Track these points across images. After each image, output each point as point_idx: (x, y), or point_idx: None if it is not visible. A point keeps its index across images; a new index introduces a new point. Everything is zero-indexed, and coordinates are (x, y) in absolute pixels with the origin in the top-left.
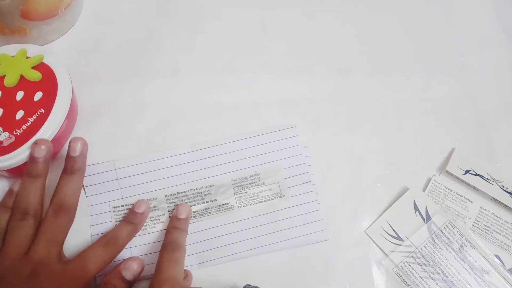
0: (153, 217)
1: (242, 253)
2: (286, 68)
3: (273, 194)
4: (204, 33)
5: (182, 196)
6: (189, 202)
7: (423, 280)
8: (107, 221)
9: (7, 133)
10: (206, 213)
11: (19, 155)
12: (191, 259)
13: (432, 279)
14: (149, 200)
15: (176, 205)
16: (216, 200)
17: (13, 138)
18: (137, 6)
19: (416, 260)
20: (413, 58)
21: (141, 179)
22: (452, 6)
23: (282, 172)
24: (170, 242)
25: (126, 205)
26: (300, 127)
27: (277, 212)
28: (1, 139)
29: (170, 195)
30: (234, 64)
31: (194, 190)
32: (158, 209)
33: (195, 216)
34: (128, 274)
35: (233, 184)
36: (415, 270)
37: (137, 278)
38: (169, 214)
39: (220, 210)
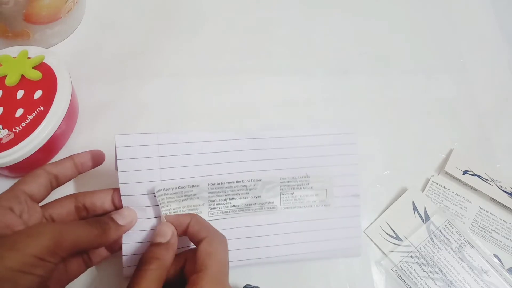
0: (191, 206)
1: (276, 258)
2: (285, 69)
3: (319, 201)
4: (204, 34)
5: (226, 187)
6: (232, 194)
7: (422, 279)
8: (142, 206)
9: (7, 130)
10: (247, 209)
11: (18, 152)
12: None
13: (431, 278)
14: (190, 187)
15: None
16: (260, 196)
17: (12, 135)
18: (138, 9)
19: (415, 260)
20: (412, 59)
21: (185, 161)
22: (451, 7)
23: (332, 179)
24: (143, 259)
25: (164, 189)
26: (357, 135)
27: (319, 221)
28: (0, 136)
29: (214, 184)
30: (234, 65)
31: (240, 182)
32: (198, 198)
33: (236, 211)
34: (119, 218)
35: (281, 183)
36: (414, 270)
37: (126, 228)
38: (209, 205)
39: (262, 209)
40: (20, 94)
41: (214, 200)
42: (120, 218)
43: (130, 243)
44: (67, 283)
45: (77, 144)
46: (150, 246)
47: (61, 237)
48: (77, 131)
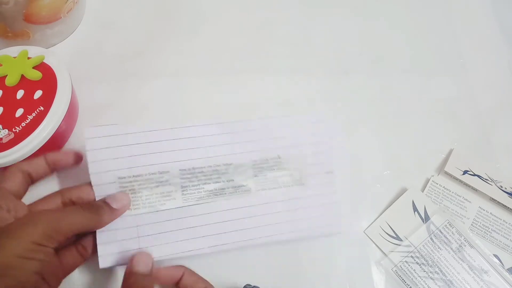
0: (164, 193)
1: (257, 240)
2: (285, 69)
3: (293, 180)
4: (204, 34)
5: (198, 172)
6: (204, 179)
7: (422, 279)
8: (113, 193)
9: (7, 130)
10: (221, 193)
11: (18, 152)
12: (202, 242)
13: (431, 278)
14: (161, 173)
15: (133, 255)
16: (233, 180)
17: (12, 135)
18: (138, 9)
19: (415, 260)
20: (412, 59)
21: (153, 148)
22: (450, 8)
23: (305, 158)
24: None
25: (133, 175)
26: (330, 118)
27: (295, 200)
28: (0, 136)
29: (185, 170)
30: (234, 65)
31: (211, 166)
32: (170, 184)
33: (210, 195)
34: (113, 202)
35: (252, 165)
36: (414, 270)
37: (119, 212)
38: (182, 191)
39: (236, 192)
40: (20, 94)
41: (186, 186)
42: (114, 201)
43: (104, 231)
44: (64, 276)
45: (77, 144)
46: (136, 275)
47: (57, 222)
48: (77, 131)
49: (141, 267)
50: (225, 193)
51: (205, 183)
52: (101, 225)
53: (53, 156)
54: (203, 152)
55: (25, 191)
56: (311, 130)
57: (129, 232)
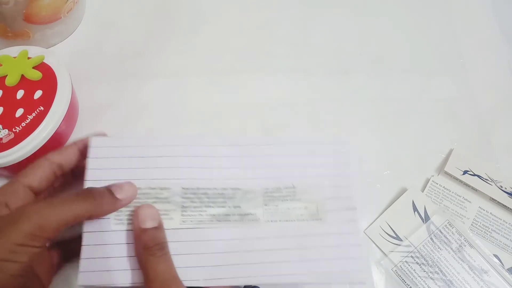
0: (161, 210)
1: (260, 278)
2: (286, 69)
3: (308, 214)
4: (204, 34)
5: (202, 193)
6: (208, 202)
7: (422, 279)
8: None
9: (7, 130)
10: (225, 220)
11: (18, 152)
12: (197, 273)
13: (431, 278)
14: (161, 189)
15: (137, 207)
16: (240, 207)
17: (12, 135)
18: (138, 9)
19: (415, 260)
20: (412, 59)
21: (157, 163)
22: (450, 8)
23: (324, 190)
24: (152, 246)
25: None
26: (353, 145)
27: (310, 237)
28: (0, 136)
29: (188, 189)
30: (234, 65)
31: (217, 189)
32: (169, 202)
33: (212, 220)
34: (117, 190)
35: (263, 193)
36: (414, 270)
37: (124, 202)
38: (182, 211)
39: (242, 220)
40: (20, 94)
41: (187, 207)
42: (119, 191)
43: (91, 245)
44: (56, 272)
45: None
46: (148, 231)
47: (44, 219)
48: (77, 131)
49: (150, 222)
50: (230, 220)
51: (208, 206)
52: (101, 214)
53: (84, 142)
54: (209, 172)
55: (49, 184)
56: (333, 160)
57: (118, 249)
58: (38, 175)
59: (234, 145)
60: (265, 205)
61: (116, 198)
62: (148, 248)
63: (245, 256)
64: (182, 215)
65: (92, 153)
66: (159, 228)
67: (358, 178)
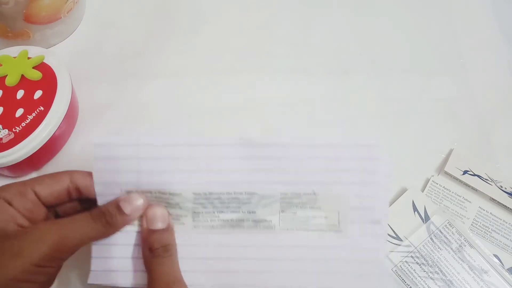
0: (173, 215)
1: None
2: (286, 69)
3: (329, 225)
4: (204, 34)
5: (215, 198)
6: (221, 207)
7: (422, 279)
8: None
9: (7, 130)
10: (239, 225)
11: (18, 152)
12: (205, 278)
13: (431, 278)
14: (172, 195)
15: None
16: (255, 212)
17: (12, 135)
18: (138, 9)
19: (415, 260)
20: (412, 59)
21: (166, 166)
22: (450, 8)
23: (347, 200)
24: (157, 248)
25: (141, 191)
26: (384, 148)
27: (328, 249)
28: (0, 136)
29: (200, 194)
30: (234, 65)
31: (231, 194)
32: (180, 208)
33: (225, 226)
34: (127, 207)
35: (281, 199)
36: (414, 270)
37: (135, 217)
38: (193, 217)
39: (257, 226)
40: (20, 94)
41: (199, 212)
42: (128, 206)
43: (102, 244)
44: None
45: (77, 144)
46: (155, 233)
47: (62, 242)
48: (77, 131)
49: (159, 223)
50: (243, 226)
51: (221, 212)
52: (113, 233)
53: None
54: (222, 176)
55: (59, 201)
56: (359, 166)
57: (128, 250)
58: (52, 188)
59: (251, 146)
60: (282, 211)
61: (125, 215)
62: (153, 250)
63: (257, 265)
64: (194, 220)
65: (96, 152)
66: (167, 230)
67: (388, 187)
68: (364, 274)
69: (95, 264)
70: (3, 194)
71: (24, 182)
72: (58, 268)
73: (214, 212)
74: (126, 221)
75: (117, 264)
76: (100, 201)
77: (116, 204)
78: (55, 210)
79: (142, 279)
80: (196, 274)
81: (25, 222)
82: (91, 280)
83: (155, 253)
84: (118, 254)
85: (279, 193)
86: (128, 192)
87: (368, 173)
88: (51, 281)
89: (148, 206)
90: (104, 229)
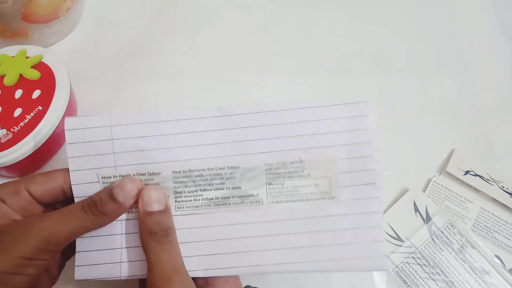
0: None
1: (265, 267)
2: (286, 69)
3: (320, 192)
4: (204, 34)
5: (196, 176)
6: (204, 184)
7: (423, 280)
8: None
9: (5, 130)
10: (224, 204)
11: (16, 152)
12: (195, 262)
13: (433, 279)
14: (151, 175)
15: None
16: (240, 187)
17: (11, 135)
18: (137, 7)
19: (416, 261)
20: (413, 59)
21: (143, 144)
22: (451, 8)
23: (337, 163)
24: (157, 232)
25: (120, 175)
26: (370, 105)
27: (321, 219)
28: None
29: (179, 172)
30: (234, 65)
31: (212, 169)
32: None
33: (210, 205)
34: (119, 193)
35: (266, 170)
36: (416, 271)
37: (129, 204)
38: (175, 197)
39: (244, 203)
40: (18, 93)
41: (181, 192)
42: (120, 192)
43: (86, 237)
44: (61, 271)
45: None
46: (153, 215)
47: (52, 234)
48: None
49: (156, 205)
50: (229, 204)
51: (204, 190)
52: (108, 222)
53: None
54: (202, 150)
55: (53, 199)
56: (347, 125)
57: (112, 240)
58: (46, 186)
59: (229, 116)
60: (269, 184)
61: (119, 203)
62: (152, 234)
63: (249, 243)
64: (176, 201)
65: (68, 137)
66: (165, 211)
67: (377, 144)
68: (362, 241)
69: (80, 259)
70: None
71: (17, 181)
72: (52, 261)
73: (197, 191)
74: (121, 209)
75: (103, 256)
76: (76, 191)
77: (108, 192)
78: (53, 208)
79: (134, 269)
80: (184, 259)
81: (18, 218)
82: (78, 275)
83: (154, 237)
84: (103, 246)
85: (263, 164)
86: (121, 178)
87: (355, 132)
88: (48, 275)
89: (143, 188)
90: (96, 219)
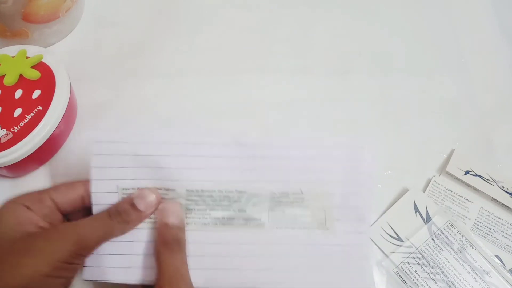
0: None
1: (262, 285)
2: (286, 69)
3: (316, 223)
4: (204, 34)
5: (207, 196)
6: (213, 204)
7: (423, 280)
8: (113, 203)
9: (5, 130)
10: (229, 223)
11: (16, 152)
12: (198, 275)
13: (433, 279)
14: (166, 190)
15: (163, 199)
16: (245, 211)
17: (11, 135)
18: (137, 7)
19: (416, 261)
20: (413, 58)
21: (161, 162)
22: (451, 8)
23: (332, 198)
24: (170, 241)
25: (137, 188)
26: (371, 149)
27: (316, 247)
28: None
29: (192, 191)
30: (234, 65)
31: (222, 192)
32: None
33: (216, 224)
34: (140, 203)
35: (270, 198)
36: (416, 271)
37: (149, 213)
38: (186, 213)
39: (247, 224)
40: (18, 93)
41: (192, 209)
42: (141, 202)
43: None
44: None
45: (75, 144)
46: (170, 228)
47: (84, 240)
48: (76, 131)
49: (174, 219)
50: (234, 224)
51: (212, 209)
52: (130, 229)
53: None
54: (214, 174)
55: (74, 209)
56: (345, 166)
57: (123, 246)
58: (68, 195)
59: (241, 145)
60: (271, 210)
61: (140, 212)
62: (166, 243)
63: (248, 261)
64: (186, 217)
65: (96, 149)
66: (181, 225)
67: (374, 186)
68: (349, 269)
69: (89, 260)
70: (22, 200)
71: (41, 190)
72: (80, 266)
73: (206, 210)
74: (141, 218)
75: (112, 260)
76: (95, 199)
77: (130, 202)
78: (68, 217)
79: (141, 275)
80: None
81: (45, 225)
82: (86, 276)
83: (167, 246)
84: (114, 250)
85: (268, 192)
86: (140, 189)
87: (352, 173)
88: (73, 278)
89: (162, 202)
90: (121, 226)
